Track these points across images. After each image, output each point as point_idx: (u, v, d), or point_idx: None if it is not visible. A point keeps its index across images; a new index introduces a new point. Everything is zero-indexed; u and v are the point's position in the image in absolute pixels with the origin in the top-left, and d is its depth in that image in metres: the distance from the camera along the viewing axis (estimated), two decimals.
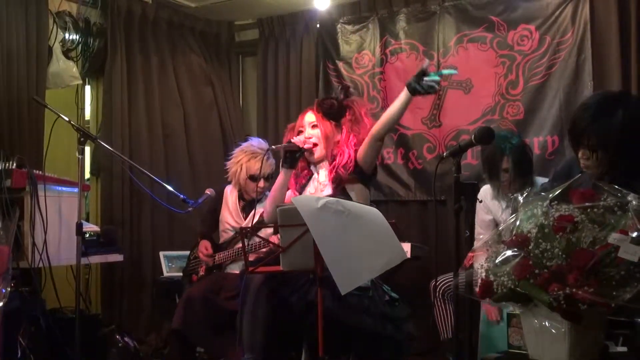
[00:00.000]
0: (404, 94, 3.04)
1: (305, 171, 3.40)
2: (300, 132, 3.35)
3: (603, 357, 1.99)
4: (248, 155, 4.01)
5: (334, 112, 3.33)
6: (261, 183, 3.93)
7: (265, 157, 3.96)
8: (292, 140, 3.26)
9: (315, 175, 3.34)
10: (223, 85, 5.74)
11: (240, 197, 4.10)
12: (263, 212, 3.69)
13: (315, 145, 3.29)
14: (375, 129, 3.14)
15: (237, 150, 4.10)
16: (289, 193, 3.41)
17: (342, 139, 3.29)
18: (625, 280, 1.79)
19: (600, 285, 1.78)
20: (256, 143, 4.10)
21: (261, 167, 3.76)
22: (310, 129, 3.32)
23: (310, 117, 3.36)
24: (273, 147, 3.45)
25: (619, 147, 2.23)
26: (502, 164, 3.60)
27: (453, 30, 4.75)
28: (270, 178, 4.01)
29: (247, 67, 6.08)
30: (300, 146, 3.25)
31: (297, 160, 3.29)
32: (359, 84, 5.13)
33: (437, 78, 2.97)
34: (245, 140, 4.22)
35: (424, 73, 2.97)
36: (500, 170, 3.61)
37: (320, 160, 3.32)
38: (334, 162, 3.26)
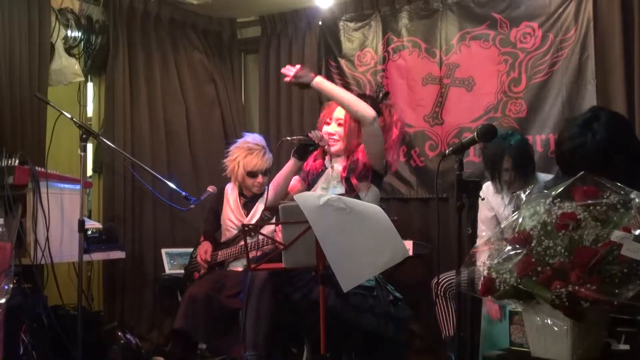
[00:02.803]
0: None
1: (319, 162, 3.38)
2: (327, 123, 3.33)
3: (605, 355, 1.98)
4: (244, 152, 4.01)
5: None
6: (259, 178, 3.96)
7: (262, 153, 3.98)
8: (309, 135, 3.26)
9: (329, 169, 3.33)
10: (225, 82, 5.73)
11: (241, 194, 4.11)
12: (264, 208, 3.72)
13: (335, 141, 3.28)
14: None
15: (233, 148, 4.10)
16: (295, 180, 3.42)
17: (362, 146, 3.28)
18: (628, 278, 1.79)
19: (603, 283, 1.78)
20: (251, 139, 4.11)
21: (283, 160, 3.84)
22: (336, 124, 3.30)
23: (339, 112, 3.32)
24: (288, 138, 3.40)
25: (604, 166, 2.30)
26: (503, 163, 3.61)
27: (456, 28, 4.73)
28: (269, 173, 4.02)
29: (249, 64, 6.08)
30: (316, 142, 3.25)
31: (308, 154, 3.29)
32: (361, 81, 5.12)
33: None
34: (241, 137, 4.22)
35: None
36: (502, 170, 3.62)
37: (337, 155, 3.32)
38: (348, 161, 3.26)
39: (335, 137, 3.28)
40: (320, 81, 3.18)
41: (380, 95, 3.35)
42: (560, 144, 2.46)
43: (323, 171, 3.36)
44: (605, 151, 2.32)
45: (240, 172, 4.00)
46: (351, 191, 3.15)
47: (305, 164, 3.38)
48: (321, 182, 3.30)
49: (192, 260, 4.22)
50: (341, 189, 3.19)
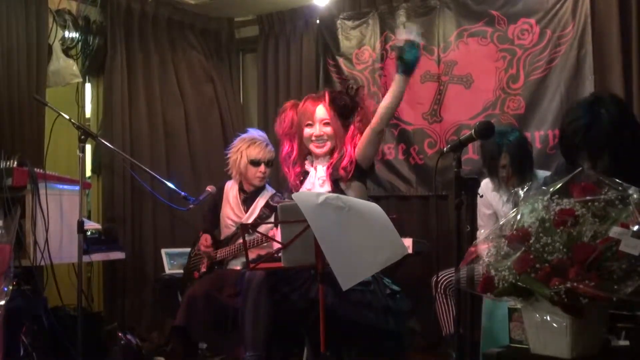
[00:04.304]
0: (397, 80, 3.03)
1: (299, 169, 3.36)
2: (309, 125, 3.28)
3: (605, 351, 1.98)
4: (247, 142, 4.03)
5: (346, 111, 3.30)
6: (262, 168, 3.96)
7: (264, 144, 3.99)
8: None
9: (312, 171, 3.31)
10: (224, 82, 5.73)
11: (241, 189, 4.11)
12: (267, 201, 3.76)
13: (324, 142, 3.25)
14: (374, 122, 3.13)
15: (236, 140, 4.12)
16: None
17: (347, 137, 3.26)
18: (627, 274, 1.79)
19: (602, 279, 1.78)
20: (255, 133, 4.13)
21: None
22: (322, 125, 3.25)
23: (322, 112, 3.27)
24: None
25: (616, 142, 2.30)
26: (500, 160, 3.61)
27: (453, 25, 4.73)
28: (271, 165, 4.03)
29: (247, 63, 6.08)
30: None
31: None
32: (359, 79, 5.11)
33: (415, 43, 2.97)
34: (245, 132, 4.23)
35: (401, 50, 2.98)
36: (499, 167, 3.62)
37: (320, 156, 3.30)
38: (332, 159, 3.25)
39: (324, 137, 3.24)
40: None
41: (351, 90, 3.34)
42: (569, 124, 2.41)
43: (305, 176, 3.32)
44: (618, 125, 2.32)
45: (243, 161, 3.99)
46: (337, 189, 3.13)
47: (290, 175, 3.35)
48: (306, 185, 3.27)
49: (192, 259, 4.22)
50: (327, 189, 3.17)
